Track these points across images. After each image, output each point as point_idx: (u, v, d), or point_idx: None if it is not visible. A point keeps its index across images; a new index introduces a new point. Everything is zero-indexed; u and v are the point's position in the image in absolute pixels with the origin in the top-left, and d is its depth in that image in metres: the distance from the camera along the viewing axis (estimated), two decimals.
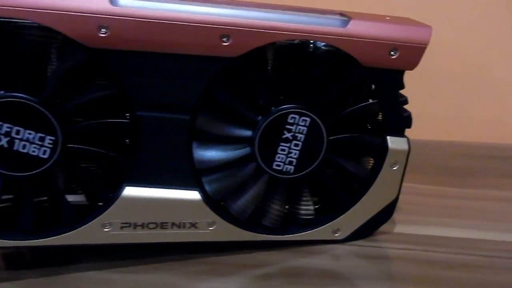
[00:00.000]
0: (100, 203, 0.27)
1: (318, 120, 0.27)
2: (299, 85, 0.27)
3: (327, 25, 0.26)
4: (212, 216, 0.28)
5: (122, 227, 0.27)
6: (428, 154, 0.46)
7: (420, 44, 0.27)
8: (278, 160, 0.28)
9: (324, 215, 0.30)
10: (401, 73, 0.28)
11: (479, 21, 0.52)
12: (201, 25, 0.24)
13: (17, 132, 0.24)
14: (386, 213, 0.31)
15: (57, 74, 0.24)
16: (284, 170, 0.28)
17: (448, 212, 0.35)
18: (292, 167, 0.28)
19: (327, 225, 0.30)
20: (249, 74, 0.27)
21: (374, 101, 0.29)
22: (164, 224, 0.28)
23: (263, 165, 0.28)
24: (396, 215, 0.34)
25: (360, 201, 0.30)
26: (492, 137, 0.50)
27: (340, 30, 0.26)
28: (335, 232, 0.31)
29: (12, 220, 0.26)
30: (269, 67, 0.27)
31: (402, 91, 0.29)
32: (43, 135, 0.24)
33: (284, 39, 0.26)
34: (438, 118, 0.53)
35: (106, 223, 0.27)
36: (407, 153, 0.30)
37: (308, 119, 0.27)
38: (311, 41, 0.27)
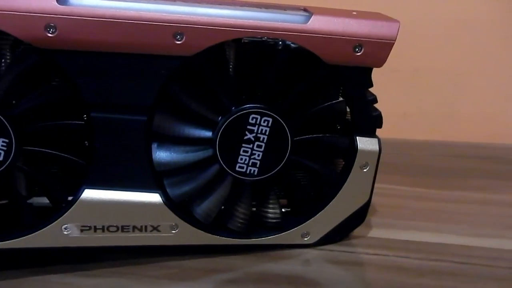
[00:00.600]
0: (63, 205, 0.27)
1: (281, 121, 0.27)
2: (260, 85, 0.27)
3: (287, 22, 0.25)
4: (174, 219, 0.28)
5: (82, 230, 0.27)
6: (413, 154, 0.45)
7: (386, 40, 0.26)
8: (241, 161, 0.27)
9: (292, 219, 0.29)
10: (368, 70, 0.27)
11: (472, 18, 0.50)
12: (152, 23, 0.24)
13: None
14: (358, 217, 0.30)
15: (8, 76, 0.24)
16: (248, 172, 0.27)
17: (426, 215, 0.34)
18: (256, 169, 0.27)
19: (295, 229, 0.29)
20: (206, 73, 0.26)
21: (339, 100, 0.28)
22: (125, 227, 0.27)
23: (225, 167, 0.27)
24: (372, 218, 0.33)
25: (330, 204, 0.29)
26: (482, 136, 0.49)
27: (300, 26, 0.25)
28: (304, 236, 0.30)
29: None
30: (230, 65, 0.26)
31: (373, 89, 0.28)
32: None
33: (240, 37, 0.25)
34: (427, 116, 0.52)
35: (66, 226, 0.26)
36: (378, 154, 0.28)
37: (270, 119, 0.26)
38: (271, 39, 0.26)
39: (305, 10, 0.27)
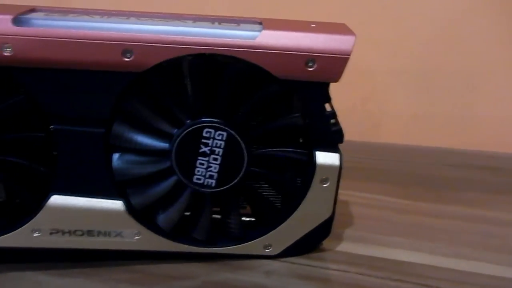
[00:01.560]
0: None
1: (235, 135, 0.27)
2: (214, 99, 0.27)
3: (235, 38, 0.25)
4: (136, 226, 0.29)
5: (51, 233, 0.29)
6: (413, 161, 0.43)
7: (339, 55, 0.25)
8: (198, 174, 0.28)
9: (254, 230, 0.30)
10: (325, 85, 0.26)
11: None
12: (101, 41, 0.25)
13: None
14: (322, 231, 0.29)
15: None
16: (205, 183, 0.28)
17: (404, 231, 0.32)
18: (213, 181, 0.28)
19: (257, 240, 0.29)
20: (159, 87, 0.26)
21: (295, 115, 0.27)
22: (90, 232, 0.29)
23: (182, 178, 0.28)
24: (346, 231, 0.33)
25: (291, 217, 0.29)
26: (496, 143, 0.45)
27: (248, 42, 0.25)
28: (266, 247, 0.30)
29: None
30: (186, 79, 0.27)
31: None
32: None
33: (189, 53, 0.25)
34: (437, 120, 0.49)
35: (36, 229, 0.28)
36: (338, 170, 0.28)
37: (224, 133, 0.27)
38: (220, 55, 0.26)
39: (260, 23, 0.27)
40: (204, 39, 0.25)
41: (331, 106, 0.28)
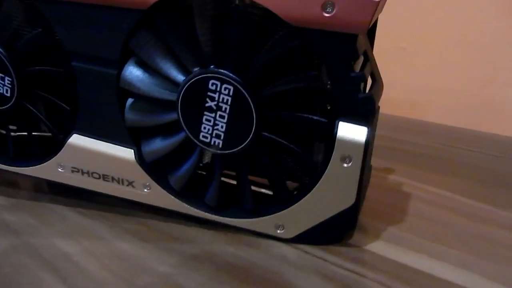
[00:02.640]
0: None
1: (243, 91, 0.23)
2: (224, 48, 0.23)
3: None
4: (146, 178, 0.27)
5: (72, 171, 0.29)
6: (498, 155, 0.32)
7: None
8: (204, 131, 0.25)
9: (269, 205, 0.26)
10: (350, 37, 0.21)
11: None
12: None
13: None
14: (344, 222, 0.24)
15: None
16: (212, 143, 0.25)
17: (466, 242, 0.25)
18: (220, 141, 0.24)
19: (268, 217, 0.26)
20: (164, 29, 0.24)
21: (311, 74, 0.22)
22: (106, 177, 0.28)
23: (189, 134, 0.25)
24: (387, 227, 0.27)
25: (305, 198, 0.24)
26: None
27: None
28: (278, 227, 0.26)
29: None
30: (196, 24, 0.24)
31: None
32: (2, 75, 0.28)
33: None
34: None
35: (61, 165, 0.29)
36: (363, 147, 0.22)
37: (231, 87, 0.23)
38: None
39: None
40: None
41: (364, 67, 0.22)
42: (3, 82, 0.28)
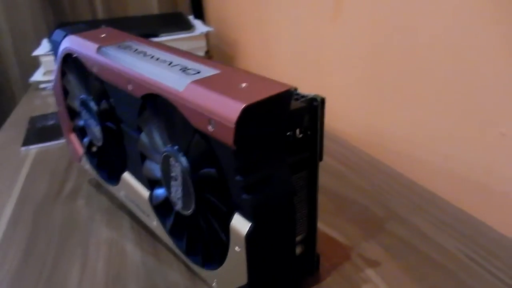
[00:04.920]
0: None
1: (186, 167, 0.29)
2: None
3: (170, 84, 0.27)
4: (154, 216, 0.36)
5: (125, 197, 0.40)
6: None
7: (226, 122, 0.23)
8: (172, 194, 0.32)
9: (210, 262, 0.31)
10: (232, 150, 0.24)
11: None
12: (118, 72, 0.33)
13: None
14: None
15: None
16: (177, 204, 0.32)
17: None
18: (181, 204, 0.31)
19: (208, 271, 0.31)
20: (151, 115, 0.32)
21: (211, 170, 0.27)
22: (139, 206, 0.38)
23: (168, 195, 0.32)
24: None
25: (222, 266, 0.29)
26: None
27: (176, 91, 0.27)
28: (214, 282, 0.31)
29: None
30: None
31: None
32: None
33: (144, 93, 0.30)
34: None
35: (120, 190, 0.40)
36: (244, 240, 0.26)
37: (178, 164, 0.29)
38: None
39: (217, 67, 0.28)
40: (152, 80, 0.29)
41: (249, 170, 0.25)
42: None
